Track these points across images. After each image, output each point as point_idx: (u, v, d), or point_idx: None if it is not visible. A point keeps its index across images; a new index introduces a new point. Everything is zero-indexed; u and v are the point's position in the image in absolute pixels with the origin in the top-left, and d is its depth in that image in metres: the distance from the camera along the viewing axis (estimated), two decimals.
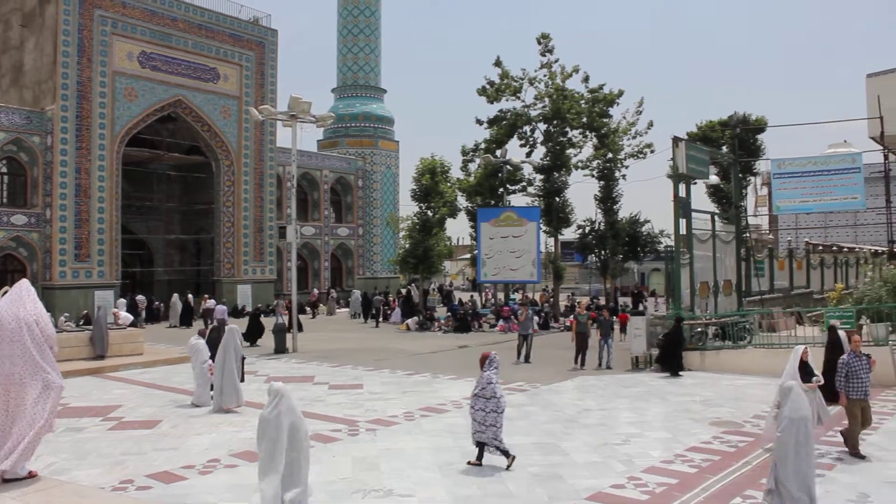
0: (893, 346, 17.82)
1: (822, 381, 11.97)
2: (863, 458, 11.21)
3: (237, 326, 17.14)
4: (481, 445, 11.23)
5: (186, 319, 36.93)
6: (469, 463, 11.24)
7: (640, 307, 39.12)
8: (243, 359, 17.21)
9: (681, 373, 19.75)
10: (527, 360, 22.22)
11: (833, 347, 14.96)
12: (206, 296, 39.58)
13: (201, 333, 17.34)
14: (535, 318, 25.79)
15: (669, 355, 19.80)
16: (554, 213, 39.45)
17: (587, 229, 41.02)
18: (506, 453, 11.19)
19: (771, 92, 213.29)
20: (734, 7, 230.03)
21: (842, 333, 15.23)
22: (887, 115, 23.71)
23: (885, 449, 12.01)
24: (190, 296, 38.76)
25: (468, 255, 59.81)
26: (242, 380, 17.10)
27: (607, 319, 21.99)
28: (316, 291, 48.38)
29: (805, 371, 11.51)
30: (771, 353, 19.91)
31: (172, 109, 41.33)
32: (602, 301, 41.28)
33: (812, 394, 11.29)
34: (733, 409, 15.19)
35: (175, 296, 38.54)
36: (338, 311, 46.10)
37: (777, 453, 8.52)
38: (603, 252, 40.47)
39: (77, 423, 14.27)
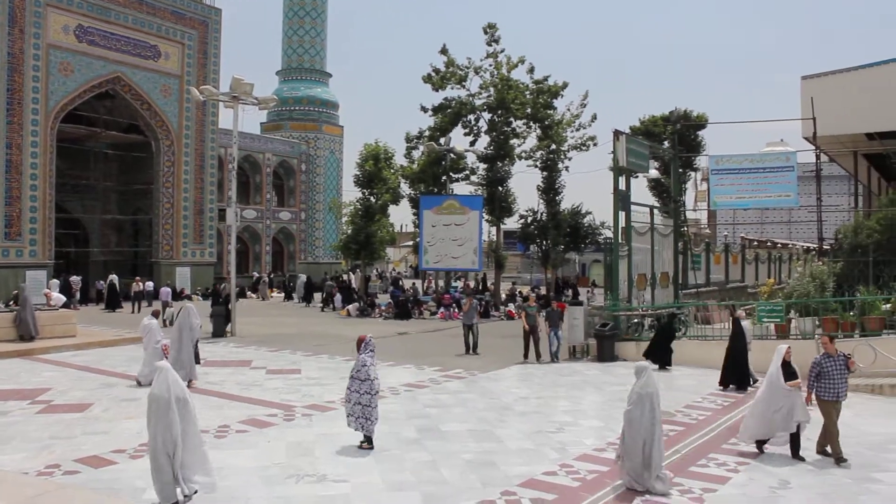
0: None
1: (799, 380, 11.66)
2: (844, 461, 10.80)
3: (193, 306, 17.23)
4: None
5: (113, 302, 36.12)
6: (360, 446, 11.34)
7: (578, 297, 39.00)
8: (197, 341, 17.43)
9: (668, 367, 19.40)
10: (474, 350, 22.01)
11: (735, 337, 16.86)
12: (139, 278, 38.77)
13: (155, 314, 17.33)
14: (478, 306, 25.40)
15: (661, 349, 19.52)
16: (497, 202, 39.60)
17: (529, 219, 41.21)
18: (369, 440, 11.37)
19: (713, 91, 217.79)
20: (684, 5, 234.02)
21: (745, 324, 17.18)
22: (820, 117, 23.99)
23: (809, 438, 12.29)
24: (114, 277, 37.62)
25: (411, 242, 60.00)
26: (198, 361, 17.41)
27: (555, 310, 21.71)
28: (255, 275, 48.29)
29: (788, 371, 11.41)
30: (704, 344, 20.06)
31: (111, 86, 40.54)
32: (543, 291, 41.65)
33: (794, 393, 11.25)
34: (665, 400, 14.83)
35: (112, 277, 37.72)
36: (272, 295, 45.82)
37: (625, 422, 9.74)
38: (545, 242, 40.63)
39: (2, 407, 13.84)
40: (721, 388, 16.50)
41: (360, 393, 11.24)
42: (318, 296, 42.01)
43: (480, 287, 44.15)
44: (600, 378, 18.01)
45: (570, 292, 42.10)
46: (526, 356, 20.90)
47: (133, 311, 34.55)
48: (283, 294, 46.71)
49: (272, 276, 50.46)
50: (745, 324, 17.33)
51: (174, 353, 15.94)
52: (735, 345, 16.67)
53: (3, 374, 17.20)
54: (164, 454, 8.55)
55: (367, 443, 11.42)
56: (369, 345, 11.55)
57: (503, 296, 40.17)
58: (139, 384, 16.05)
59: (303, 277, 43.77)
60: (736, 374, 16.40)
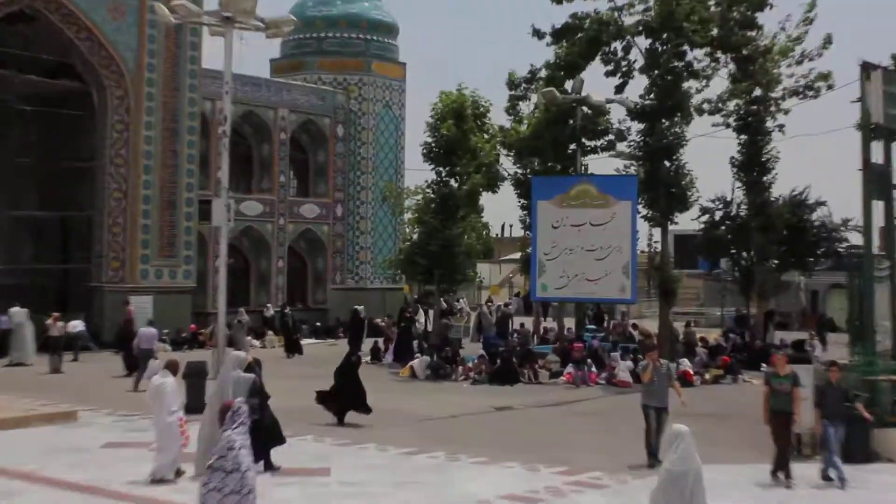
0: None
1: None
2: None
3: (244, 355, 18.61)
4: None
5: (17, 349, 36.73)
6: None
7: (807, 348, 38.41)
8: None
9: None
10: (654, 457, 19.43)
11: None
12: (56, 314, 37.54)
13: (172, 367, 18.21)
14: (673, 372, 22.58)
15: None
16: (662, 187, 38.45)
17: (718, 215, 40.54)
18: None
19: None
20: None
21: None
22: None
23: None
24: (19, 312, 37.34)
25: (516, 255, 57.37)
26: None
27: (833, 388, 19.37)
28: (270, 308, 48.70)
29: None
30: None
31: (29, 2, 40.68)
32: (747, 337, 40.65)
33: None
34: None
35: (15, 312, 37.35)
36: (252, 343, 44.32)
37: None
38: (745, 254, 39.84)
39: None
40: None
41: (224, 493, 11.37)
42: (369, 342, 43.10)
43: (606, 323, 43.91)
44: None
45: (775, 337, 41.18)
46: (780, 470, 18.79)
47: (55, 369, 34.62)
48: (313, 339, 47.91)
49: (285, 310, 50.09)
50: None
51: (207, 430, 16.68)
52: None
53: None
54: None
55: None
56: (239, 414, 11.99)
57: (677, 344, 38.35)
58: (152, 480, 17.02)
59: (359, 310, 44.65)
60: None
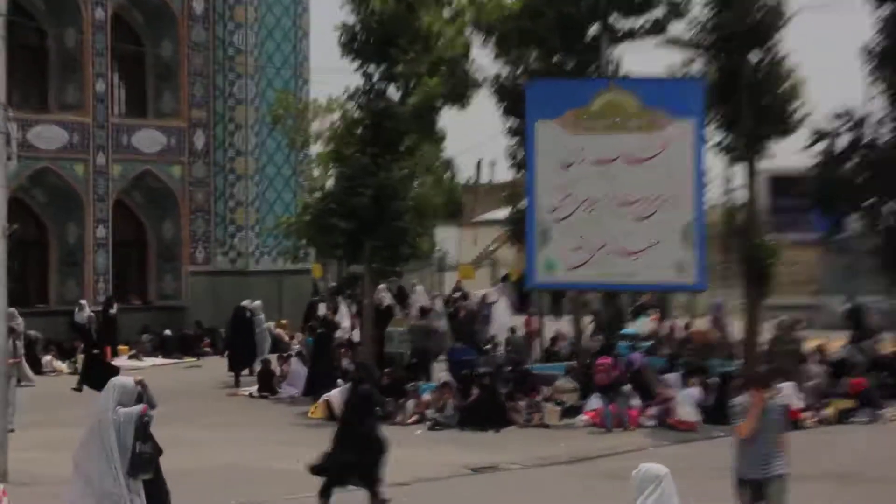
0: None
1: None
2: None
3: (130, 382, 17.21)
4: None
5: None
6: None
7: None
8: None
9: None
10: None
11: None
12: None
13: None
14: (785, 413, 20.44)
15: None
16: (746, 96, 35.72)
17: (843, 142, 39.25)
18: None
19: None
20: None
21: None
22: None
23: None
24: None
25: (501, 214, 56.48)
26: None
27: None
28: (85, 307, 45.64)
29: None
30: None
31: None
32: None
33: None
34: None
35: None
36: (55, 365, 44.71)
37: None
38: (893, 207, 38.58)
39: None
40: None
41: None
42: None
43: (657, 325, 44.19)
44: None
45: None
46: None
47: None
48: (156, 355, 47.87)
49: (110, 310, 46.96)
50: None
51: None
52: None
53: None
54: None
55: None
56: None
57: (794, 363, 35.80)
58: None
59: (256, 306, 43.31)
60: None
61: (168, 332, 50.39)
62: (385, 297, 44.14)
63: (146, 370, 42.40)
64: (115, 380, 18.02)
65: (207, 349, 49.64)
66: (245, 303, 44.80)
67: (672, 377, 34.22)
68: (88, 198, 50.95)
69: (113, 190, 51.96)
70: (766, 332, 38.98)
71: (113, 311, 47.66)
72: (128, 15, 52.90)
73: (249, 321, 44.03)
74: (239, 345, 42.39)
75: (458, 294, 52.57)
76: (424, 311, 44.36)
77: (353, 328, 44.19)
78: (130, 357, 46.74)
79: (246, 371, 42.66)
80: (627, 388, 32.45)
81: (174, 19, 53.00)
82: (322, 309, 46.46)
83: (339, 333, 42.72)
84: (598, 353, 35.80)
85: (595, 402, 32.20)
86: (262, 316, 44.33)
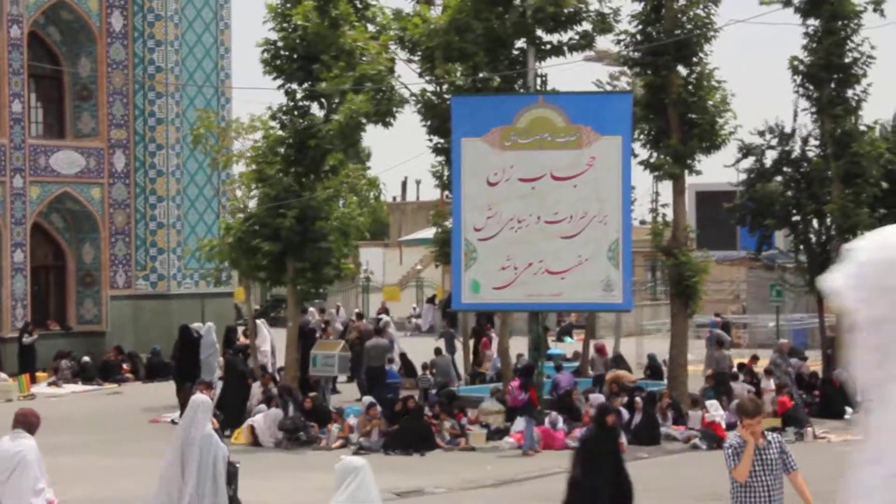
0: None
1: None
2: None
3: (208, 400, 20.55)
4: None
5: None
6: None
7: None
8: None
9: None
10: None
11: None
12: None
13: (24, 422, 18.25)
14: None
15: None
16: (674, 111, 36.69)
17: (770, 158, 40.01)
18: None
19: None
20: None
21: None
22: None
23: None
24: None
25: (427, 233, 58.84)
26: None
27: None
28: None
29: None
30: None
31: None
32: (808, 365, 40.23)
33: None
34: None
35: None
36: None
37: None
38: (817, 222, 39.65)
39: None
40: None
41: None
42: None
43: (583, 347, 43.97)
44: None
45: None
46: None
47: None
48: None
49: (25, 337, 47.72)
50: None
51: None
52: None
53: None
54: None
55: None
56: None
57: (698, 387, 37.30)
58: None
59: (207, 328, 42.95)
60: None
61: (87, 358, 50.18)
62: (310, 319, 45.27)
63: (65, 397, 44.72)
64: (199, 397, 20.39)
65: (129, 375, 49.63)
66: (195, 325, 44.74)
67: (596, 397, 34.86)
68: (5, 221, 50.65)
69: (30, 213, 51.67)
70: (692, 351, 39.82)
71: (32, 337, 48.32)
72: (44, 30, 52.83)
73: (195, 342, 43.63)
74: (184, 367, 41.95)
75: (382, 316, 53.36)
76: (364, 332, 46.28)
77: (273, 353, 44.39)
78: (50, 384, 46.31)
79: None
80: (551, 412, 34.44)
81: (92, 37, 52.71)
82: (238, 333, 46.72)
83: (260, 358, 43.03)
84: (521, 372, 36.24)
85: (520, 423, 33.20)
86: (214, 337, 43.71)
